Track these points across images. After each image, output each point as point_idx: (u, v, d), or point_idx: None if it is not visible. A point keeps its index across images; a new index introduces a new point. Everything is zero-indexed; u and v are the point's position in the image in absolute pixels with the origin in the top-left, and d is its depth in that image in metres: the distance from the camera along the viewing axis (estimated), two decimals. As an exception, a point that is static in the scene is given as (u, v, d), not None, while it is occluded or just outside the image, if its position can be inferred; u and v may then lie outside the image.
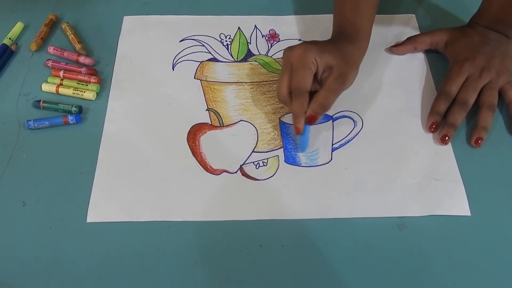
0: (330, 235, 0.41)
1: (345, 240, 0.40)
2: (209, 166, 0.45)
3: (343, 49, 0.44)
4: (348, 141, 0.46)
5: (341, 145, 0.46)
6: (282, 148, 0.46)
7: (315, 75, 0.43)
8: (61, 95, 0.49)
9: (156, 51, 0.53)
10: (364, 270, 0.39)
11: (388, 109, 0.49)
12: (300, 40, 0.54)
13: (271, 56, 0.53)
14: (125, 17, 0.56)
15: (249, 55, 0.53)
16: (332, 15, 0.50)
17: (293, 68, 0.42)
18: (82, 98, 0.49)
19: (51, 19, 0.55)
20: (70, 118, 0.46)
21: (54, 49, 0.52)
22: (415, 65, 0.52)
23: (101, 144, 0.46)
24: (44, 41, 0.53)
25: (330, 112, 0.48)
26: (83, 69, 0.50)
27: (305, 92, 0.42)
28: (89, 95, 0.49)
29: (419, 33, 0.54)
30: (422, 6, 0.59)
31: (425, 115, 0.48)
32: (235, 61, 0.52)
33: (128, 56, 0.53)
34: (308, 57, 0.42)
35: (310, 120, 0.42)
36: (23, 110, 0.48)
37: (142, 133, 0.47)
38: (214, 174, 0.44)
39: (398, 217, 0.42)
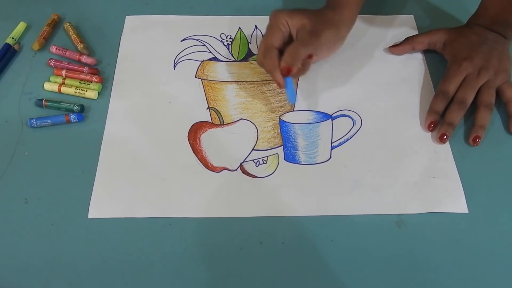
0: (330, 232, 0.41)
1: (345, 237, 0.41)
2: (210, 163, 0.45)
3: (320, 12, 0.46)
4: (347, 140, 0.47)
5: (340, 144, 0.47)
6: (282, 146, 0.47)
7: (292, 39, 0.45)
8: (63, 94, 0.50)
9: (157, 50, 0.54)
10: (363, 267, 0.39)
11: (387, 108, 0.49)
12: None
13: (271, 56, 0.53)
14: (127, 17, 0.57)
15: (249, 54, 0.53)
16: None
17: (265, 33, 0.45)
18: (84, 97, 0.49)
19: (54, 19, 0.55)
20: (72, 116, 0.47)
21: (56, 49, 0.52)
22: (413, 65, 0.53)
23: (102, 142, 0.46)
24: (46, 41, 0.54)
25: (329, 111, 0.49)
26: (85, 69, 0.51)
27: (273, 49, 0.44)
28: (91, 94, 0.49)
29: (417, 33, 0.55)
30: (421, 6, 0.59)
31: (424, 114, 0.48)
32: (235, 61, 0.53)
33: (130, 55, 0.53)
34: (278, 19, 0.45)
35: (285, 72, 0.44)
36: (26, 108, 0.48)
37: (143, 131, 0.47)
38: (214, 172, 0.44)
39: (397, 214, 0.42)
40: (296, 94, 0.47)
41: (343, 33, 0.47)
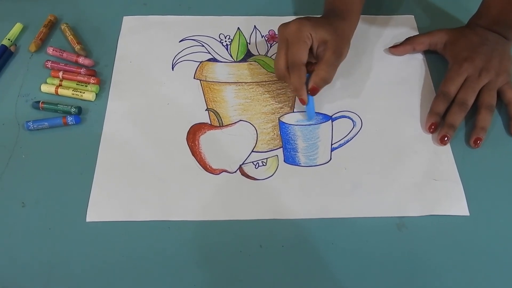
0: (330, 235, 0.41)
1: (345, 240, 0.41)
2: (209, 165, 0.45)
3: (336, 24, 0.46)
4: (347, 141, 0.46)
5: (340, 145, 0.46)
6: (282, 148, 0.46)
7: (311, 50, 0.45)
8: (60, 96, 0.49)
9: (155, 51, 0.53)
10: (364, 270, 0.39)
11: (387, 110, 0.49)
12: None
13: (270, 57, 0.53)
14: (124, 17, 0.56)
15: (248, 55, 0.53)
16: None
17: (288, 43, 0.44)
18: (81, 99, 0.49)
19: (50, 20, 0.55)
20: (70, 119, 0.46)
21: (53, 50, 0.52)
22: (414, 66, 0.52)
23: (100, 144, 0.46)
24: (43, 42, 0.53)
25: (329, 112, 0.48)
26: (82, 70, 0.50)
27: (302, 65, 0.44)
28: (89, 95, 0.49)
29: (418, 33, 0.54)
30: (421, 7, 0.59)
31: (424, 115, 0.48)
32: (234, 61, 0.52)
33: (128, 56, 0.53)
34: (303, 32, 0.44)
35: (313, 92, 0.44)
36: (23, 111, 0.48)
37: (141, 133, 0.47)
38: (213, 174, 0.44)
39: (397, 217, 0.42)
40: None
41: (350, 40, 0.48)
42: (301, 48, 0.43)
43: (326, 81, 0.44)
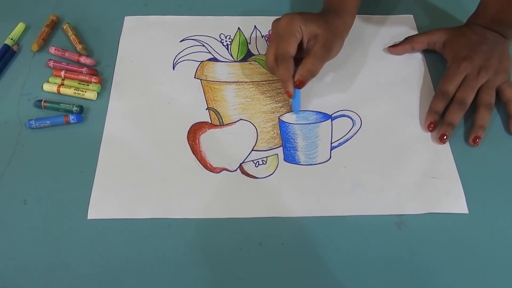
0: (329, 233, 0.41)
1: (344, 238, 0.41)
2: (209, 164, 0.45)
3: (329, 20, 0.46)
4: (347, 140, 0.47)
5: (340, 144, 0.46)
6: (282, 147, 0.46)
7: (301, 44, 0.45)
8: (62, 95, 0.50)
9: (156, 51, 0.53)
10: (363, 268, 0.39)
11: (387, 109, 0.49)
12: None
13: (270, 56, 0.53)
14: (126, 17, 0.56)
15: (248, 55, 0.53)
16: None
17: (279, 37, 0.45)
18: (83, 98, 0.49)
19: (52, 19, 0.55)
20: (71, 117, 0.47)
21: (55, 50, 0.52)
22: (413, 65, 0.53)
23: (102, 143, 0.46)
24: (45, 42, 0.54)
25: (329, 111, 0.48)
26: (84, 69, 0.51)
27: (289, 58, 0.44)
28: (90, 95, 0.49)
29: (417, 33, 0.55)
30: (420, 6, 0.59)
31: (423, 114, 0.48)
32: (235, 61, 0.53)
33: (129, 56, 0.53)
34: (293, 25, 0.44)
35: (299, 85, 0.44)
36: (25, 109, 0.48)
37: (142, 132, 0.47)
38: (213, 172, 0.44)
39: (397, 215, 0.42)
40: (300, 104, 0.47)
41: (345, 37, 0.48)
42: (290, 41, 0.44)
43: (312, 73, 0.44)
